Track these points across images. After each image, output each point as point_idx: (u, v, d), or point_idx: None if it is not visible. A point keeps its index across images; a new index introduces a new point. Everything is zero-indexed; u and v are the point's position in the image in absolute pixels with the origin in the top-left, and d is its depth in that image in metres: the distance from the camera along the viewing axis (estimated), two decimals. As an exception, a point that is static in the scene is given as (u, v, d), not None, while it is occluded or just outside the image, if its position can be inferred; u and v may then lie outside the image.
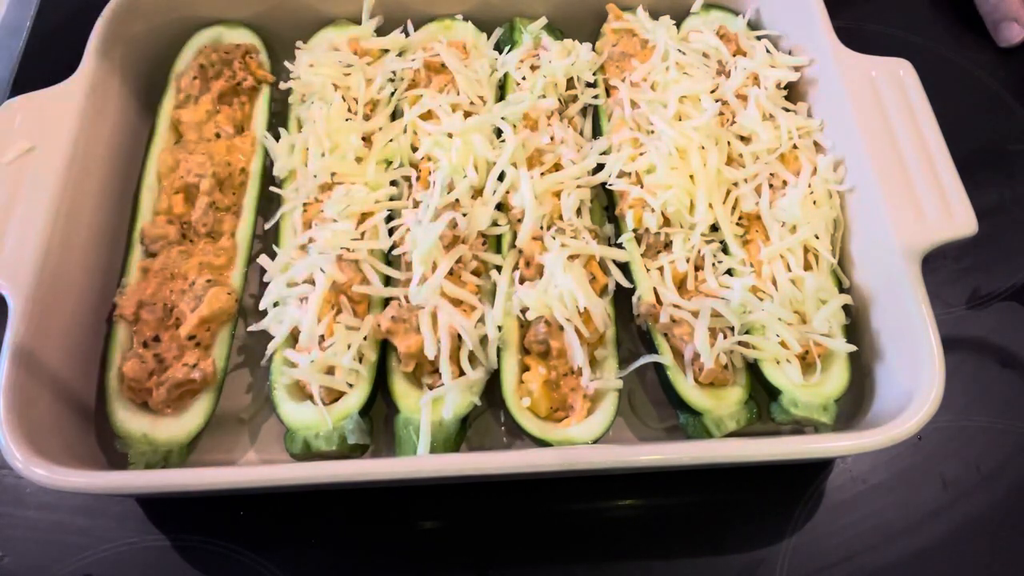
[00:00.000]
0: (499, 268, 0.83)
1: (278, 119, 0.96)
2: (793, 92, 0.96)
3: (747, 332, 0.80)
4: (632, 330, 0.86)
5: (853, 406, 0.81)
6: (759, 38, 0.98)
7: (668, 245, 0.85)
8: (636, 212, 0.84)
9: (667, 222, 0.85)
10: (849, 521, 0.81)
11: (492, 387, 0.80)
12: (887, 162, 0.81)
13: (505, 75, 0.96)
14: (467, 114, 0.92)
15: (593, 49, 0.98)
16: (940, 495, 0.83)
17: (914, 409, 0.70)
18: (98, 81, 0.87)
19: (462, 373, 0.77)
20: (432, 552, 0.79)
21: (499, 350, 0.79)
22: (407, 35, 1.00)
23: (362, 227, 0.84)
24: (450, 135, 0.89)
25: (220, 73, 0.92)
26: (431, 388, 0.77)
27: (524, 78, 0.94)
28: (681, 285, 0.83)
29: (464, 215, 0.84)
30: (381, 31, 1.00)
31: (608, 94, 0.95)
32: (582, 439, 0.75)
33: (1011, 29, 1.12)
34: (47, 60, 1.12)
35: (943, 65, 1.13)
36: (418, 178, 0.88)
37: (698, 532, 0.80)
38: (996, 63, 1.14)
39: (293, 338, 0.80)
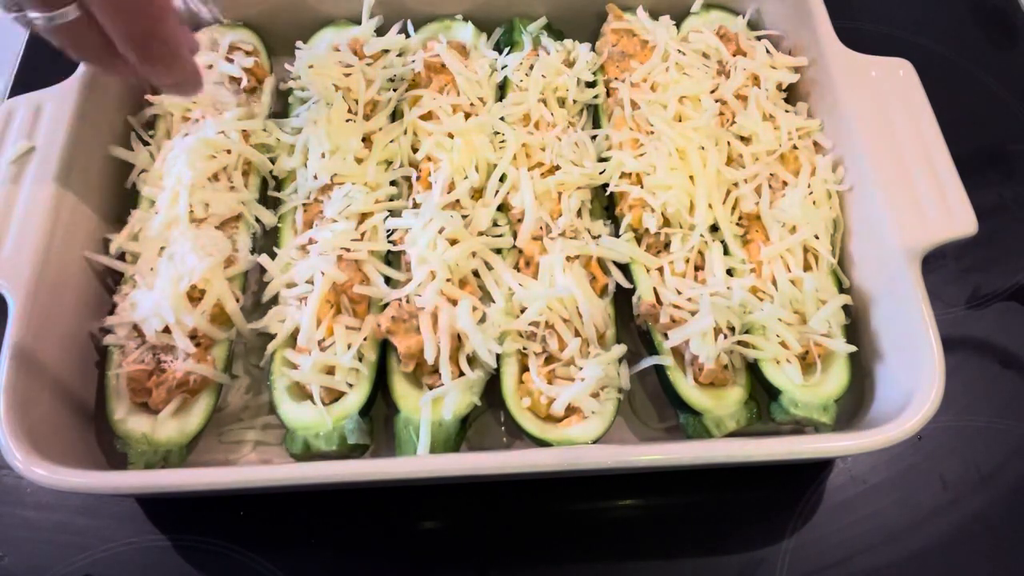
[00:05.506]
0: (499, 268, 0.83)
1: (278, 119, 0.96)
2: (793, 92, 0.96)
3: (747, 332, 0.80)
4: (632, 330, 0.86)
5: (853, 406, 0.81)
6: (759, 38, 0.98)
7: (668, 245, 0.85)
8: (636, 212, 0.84)
9: (667, 222, 0.85)
10: (849, 521, 0.81)
11: (492, 387, 0.80)
12: (887, 162, 0.81)
13: (505, 76, 0.96)
14: (467, 115, 0.92)
15: (593, 49, 0.98)
16: (940, 495, 0.83)
17: (914, 409, 0.70)
18: (98, 81, 0.87)
19: (462, 373, 0.77)
20: (432, 552, 0.79)
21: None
22: (407, 36, 1.00)
23: (362, 227, 0.84)
24: (451, 135, 0.89)
25: None
26: (431, 388, 0.77)
27: (523, 80, 0.94)
28: (681, 285, 0.83)
29: (465, 216, 0.84)
30: (381, 31, 1.00)
31: (608, 94, 0.95)
32: (582, 439, 0.75)
33: None
34: (47, 60, 1.11)
35: (943, 65, 1.13)
36: (418, 178, 0.88)
37: (698, 532, 0.80)
38: (996, 63, 1.14)
39: (293, 338, 0.80)
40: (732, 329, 0.79)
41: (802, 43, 0.95)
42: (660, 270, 0.83)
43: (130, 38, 0.64)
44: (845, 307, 0.82)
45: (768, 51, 0.96)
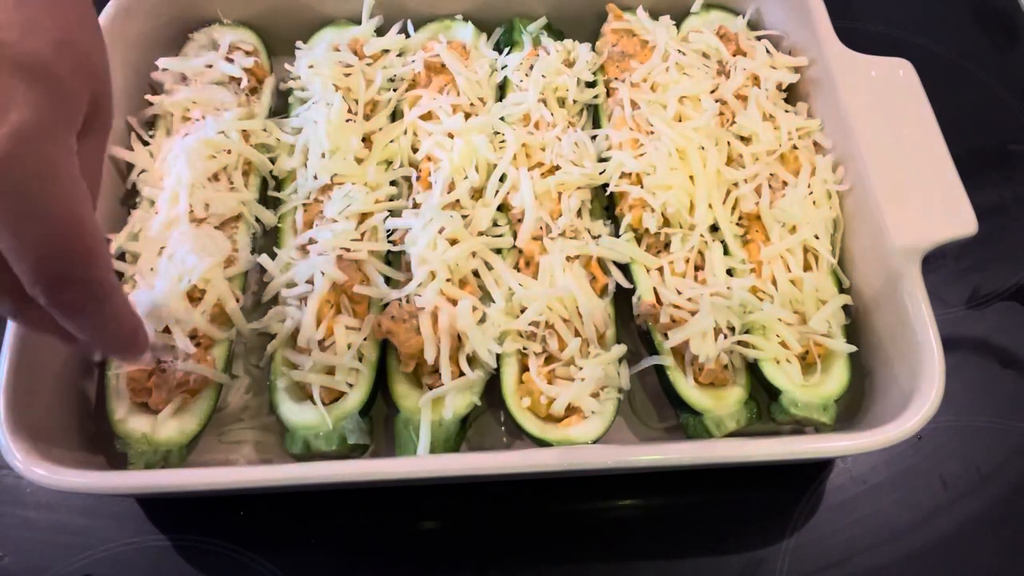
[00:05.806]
0: (499, 268, 0.83)
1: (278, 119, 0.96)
2: (793, 92, 0.96)
3: (747, 332, 0.80)
4: (632, 330, 0.86)
5: (853, 406, 0.81)
6: (759, 38, 0.98)
7: (668, 245, 0.85)
8: (636, 212, 0.84)
9: (667, 222, 0.85)
10: (849, 521, 0.81)
11: (492, 387, 0.80)
12: (887, 162, 0.81)
13: (505, 76, 0.96)
14: (467, 115, 0.92)
15: (593, 49, 0.98)
16: (940, 495, 0.83)
17: (914, 409, 0.70)
18: (98, 81, 0.87)
19: (462, 373, 0.77)
20: (432, 552, 0.79)
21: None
22: (407, 36, 1.00)
23: (362, 227, 0.84)
24: (451, 135, 0.89)
25: None
26: (431, 388, 0.77)
27: (523, 80, 0.94)
28: (681, 285, 0.83)
29: (465, 216, 0.84)
30: (381, 31, 1.00)
31: (608, 94, 0.95)
32: (582, 439, 0.75)
33: None
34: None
35: (943, 65, 1.13)
36: (418, 178, 0.88)
37: (698, 532, 0.80)
38: (996, 63, 1.14)
39: (293, 338, 0.80)
40: (732, 329, 0.79)
41: (802, 43, 0.95)
42: (660, 270, 0.83)
43: (39, 279, 0.46)
44: (845, 307, 0.82)
45: (768, 51, 0.96)
